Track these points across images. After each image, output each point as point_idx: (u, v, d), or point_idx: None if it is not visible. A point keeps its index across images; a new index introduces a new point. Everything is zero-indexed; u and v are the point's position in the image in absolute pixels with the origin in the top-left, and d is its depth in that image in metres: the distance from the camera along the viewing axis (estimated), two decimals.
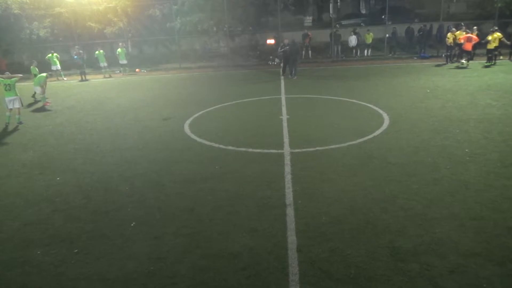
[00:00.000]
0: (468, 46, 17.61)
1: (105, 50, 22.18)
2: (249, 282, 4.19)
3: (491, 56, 17.91)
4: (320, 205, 5.73)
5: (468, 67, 17.42)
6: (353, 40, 22.84)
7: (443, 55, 20.32)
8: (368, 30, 23.14)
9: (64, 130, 10.92)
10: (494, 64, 17.74)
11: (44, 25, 24.04)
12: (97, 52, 21.46)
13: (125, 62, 21.95)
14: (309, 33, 24.06)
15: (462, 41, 17.76)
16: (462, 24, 19.13)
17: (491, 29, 18.37)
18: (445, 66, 18.15)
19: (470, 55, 18.10)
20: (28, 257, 4.89)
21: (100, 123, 11.43)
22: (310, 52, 23.81)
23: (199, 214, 5.73)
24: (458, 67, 17.56)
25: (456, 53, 18.57)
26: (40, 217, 5.92)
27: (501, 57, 18.41)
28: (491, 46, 17.83)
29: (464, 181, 6.25)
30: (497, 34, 17.57)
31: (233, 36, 25.35)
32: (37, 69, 16.75)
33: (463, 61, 17.99)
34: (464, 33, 17.95)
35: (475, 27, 19.38)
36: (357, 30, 23.39)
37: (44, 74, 14.42)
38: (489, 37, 17.69)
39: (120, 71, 22.35)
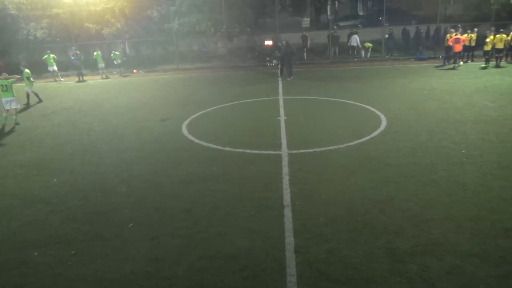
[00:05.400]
0: (458, 48, 17.69)
1: (102, 51, 22.16)
2: (247, 283, 4.19)
3: (488, 58, 17.99)
4: (318, 206, 5.74)
5: (457, 68, 17.51)
6: (353, 40, 22.81)
7: (440, 56, 20.42)
8: (366, 41, 23.08)
9: (62, 131, 10.89)
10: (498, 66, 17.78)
11: (41, 25, 23.97)
12: (95, 53, 21.46)
13: (119, 62, 21.97)
14: (307, 35, 24.07)
15: (450, 43, 17.85)
16: (459, 26, 19.22)
17: (488, 31, 18.48)
18: (442, 68, 18.22)
19: (460, 56, 18.16)
20: (25, 258, 4.87)
21: (98, 124, 11.40)
22: (305, 54, 23.81)
23: (196, 215, 5.72)
24: (454, 68, 17.65)
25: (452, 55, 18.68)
26: (37, 218, 5.90)
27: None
28: (488, 47, 17.92)
29: (461, 182, 6.27)
30: (496, 37, 17.67)
31: (231, 37, 25.35)
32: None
33: (461, 63, 18.07)
34: (453, 35, 18.03)
35: (475, 29, 19.49)
36: (358, 32, 23.40)
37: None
38: (487, 39, 17.81)
39: (117, 72, 22.34)
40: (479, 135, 8.47)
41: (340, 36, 23.58)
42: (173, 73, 22.44)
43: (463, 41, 17.77)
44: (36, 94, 15.15)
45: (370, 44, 22.90)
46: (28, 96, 14.94)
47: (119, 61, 21.89)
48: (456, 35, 17.85)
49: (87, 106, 13.98)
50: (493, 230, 4.90)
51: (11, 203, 6.46)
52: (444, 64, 18.78)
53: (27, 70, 14.70)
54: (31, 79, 14.77)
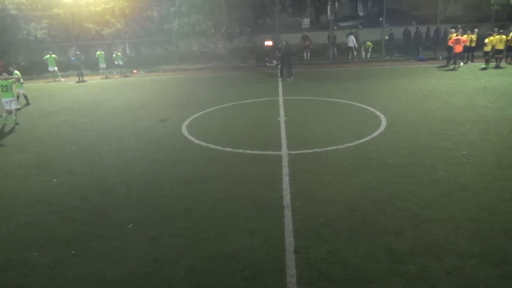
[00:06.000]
0: (458, 48, 17.69)
1: (103, 51, 22.19)
2: (247, 284, 4.19)
3: (488, 59, 18.00)
4: (318, 206, 5.73)
5: (457, 69, 17.53)
6: (350, 41, 22.85)
7: (440, 57, 20.44)
8: (365, 41, 23.11)
9: (61, 131, 10.89)
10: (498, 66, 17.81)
11: (42, 26, 23.98)
12: (98, 52, 21.53)
13: (120, 63, 22.02)
14: (309, 35, 24.03)
15: (451, 44, 17.87)
16: (459, 26, 19.25)
17: (489, 31, 18.49)
18: (442, 69, 18.23)
19: (461, 57, 18.16)
20: (25, 258, 4.86)
21: (97, 124, 11.40)
22: (306, 54, 23.81)
23: (196, 215, 5.72)
24: (454, 69, 17.67)
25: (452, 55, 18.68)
26: (37, 218, 5.89)
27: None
28: (487, 48, 17.92)
29: (461, 182, 6.27)
30: (495, 37, 17.68)
31: (231, 38, 25.36)
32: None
33: (461, 64, 18.08)
34: (453, 36, 18.05)
35: (476, 30, 19.50)
36: (357, 33, 23.43)
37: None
38: (486, 40, 17.83)
39: (117, 73, 22.37)
40: (479, 136, 8.48)
41: (337, 36, 23.57)
42: (173, 73, 22.45)
43: (464, 41, 17.77)
44: (25, 96, 15.03)
45: (370, 44, 22.87)
46: (25, 96, 14.91)
47: (120, 62, 21.94)
48: (456, 35, 17.86)
49: (87, 107, 13.98)
50: (493, 230, 4.89)
51: (11, 204, 6.45)
52: (447, 65, 18.76)
53: (16, 72, 14.64)
54: (21, 80, 14.74)
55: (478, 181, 6.29)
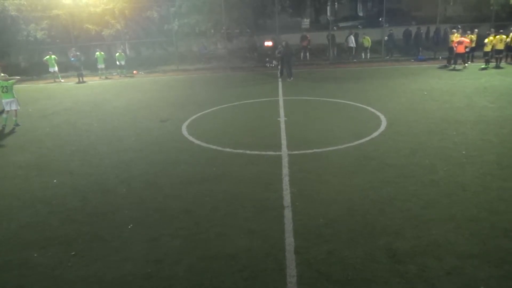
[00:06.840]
0: (460, 49, 17.67)
1: (103, 52, 22.19)
2: (247, 284, 4.18)
3: (488, 59, 17.99)
4: (318, 206, 5.73)
5: (463, 70, 17.53)
6: (349, 41, 22.87)
7: (440, 57, 20.40)
8: (363, 34, 23.16)
9: (61, 132, 10.89)
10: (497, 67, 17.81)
11: (41, 27, 23.96)
12: (97, 53, 21.52)
13: (123, 63, 22.05)
14: (308, 36, 24.02)
15: (454, 45, 17.85)
16: (459, 26, 19.25)
17: (488, 32, 18.49)
18: (443, 69, 18.21)
19: (464, 58, 18.18)
20: (25, 259, 4.86)
21: (97, 125, 11.40)
22: (304, 54, 23.81)
23: (196, 215, 5.72)
24: (454, 69, 17.66)
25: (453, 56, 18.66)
26: (37, 219, 5.89)
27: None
28: (487, 48, 17.91)
29: (461, 182, 6.27)
30: (495, 37, 17.66)
31: (231, 38, 25.36)
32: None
33: (465, 64, 18.09)
34: (453, 36, 18.03)
35: (476, 30, 19.50)
36: (356, 32, 23.45)
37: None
38: (486, 40, 17.82)
39: (118, 73, 22.37)
40: (479, 136, 8.48)
41: (336, 36, 23.57)
42: (173, 74, 22.45)
43: (466, 43, 17.66)
44: None
45: (368, 39, 22.64)
46: None
47: (123, 62, 21.96)
48: (457, 36, 17.85)
49: (87, 107, 13.98)
50: (493, 230, 4.89)
51: (11, 204, 6.45)
52: (448, 65, 18.73)
53: (1, 74, 14.60)
54: None
55: (478, 181, 6.29)
